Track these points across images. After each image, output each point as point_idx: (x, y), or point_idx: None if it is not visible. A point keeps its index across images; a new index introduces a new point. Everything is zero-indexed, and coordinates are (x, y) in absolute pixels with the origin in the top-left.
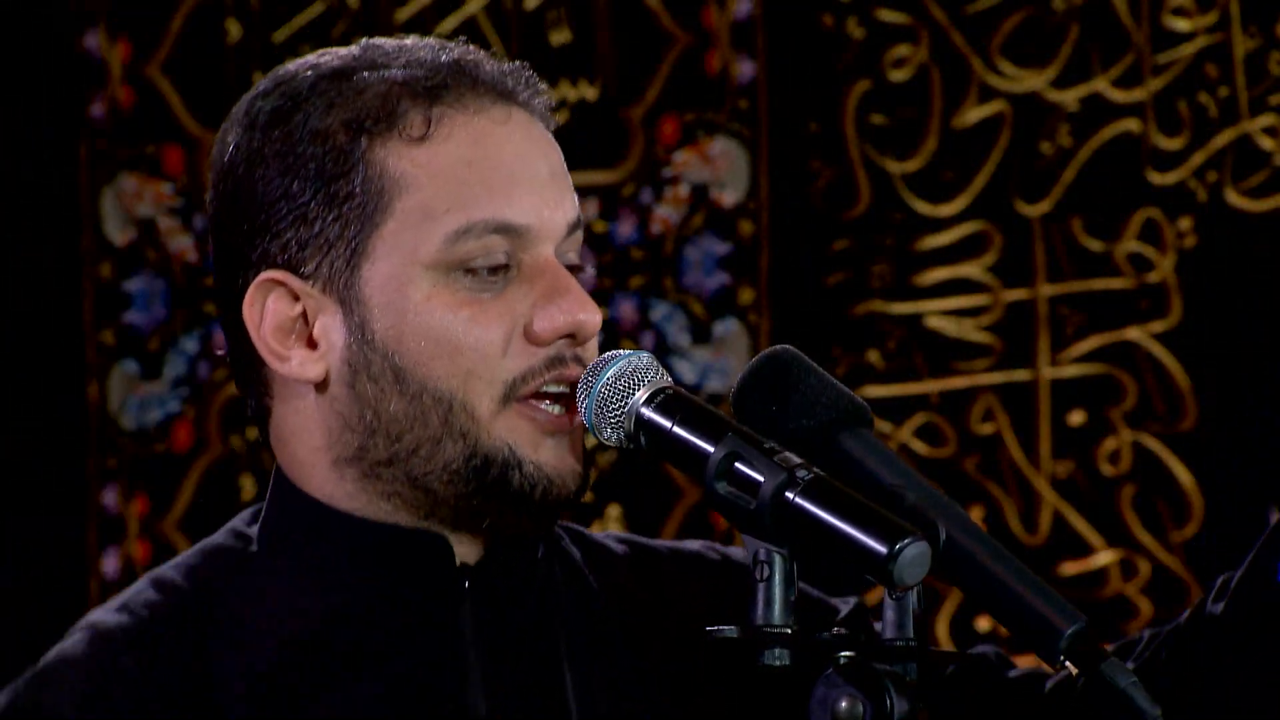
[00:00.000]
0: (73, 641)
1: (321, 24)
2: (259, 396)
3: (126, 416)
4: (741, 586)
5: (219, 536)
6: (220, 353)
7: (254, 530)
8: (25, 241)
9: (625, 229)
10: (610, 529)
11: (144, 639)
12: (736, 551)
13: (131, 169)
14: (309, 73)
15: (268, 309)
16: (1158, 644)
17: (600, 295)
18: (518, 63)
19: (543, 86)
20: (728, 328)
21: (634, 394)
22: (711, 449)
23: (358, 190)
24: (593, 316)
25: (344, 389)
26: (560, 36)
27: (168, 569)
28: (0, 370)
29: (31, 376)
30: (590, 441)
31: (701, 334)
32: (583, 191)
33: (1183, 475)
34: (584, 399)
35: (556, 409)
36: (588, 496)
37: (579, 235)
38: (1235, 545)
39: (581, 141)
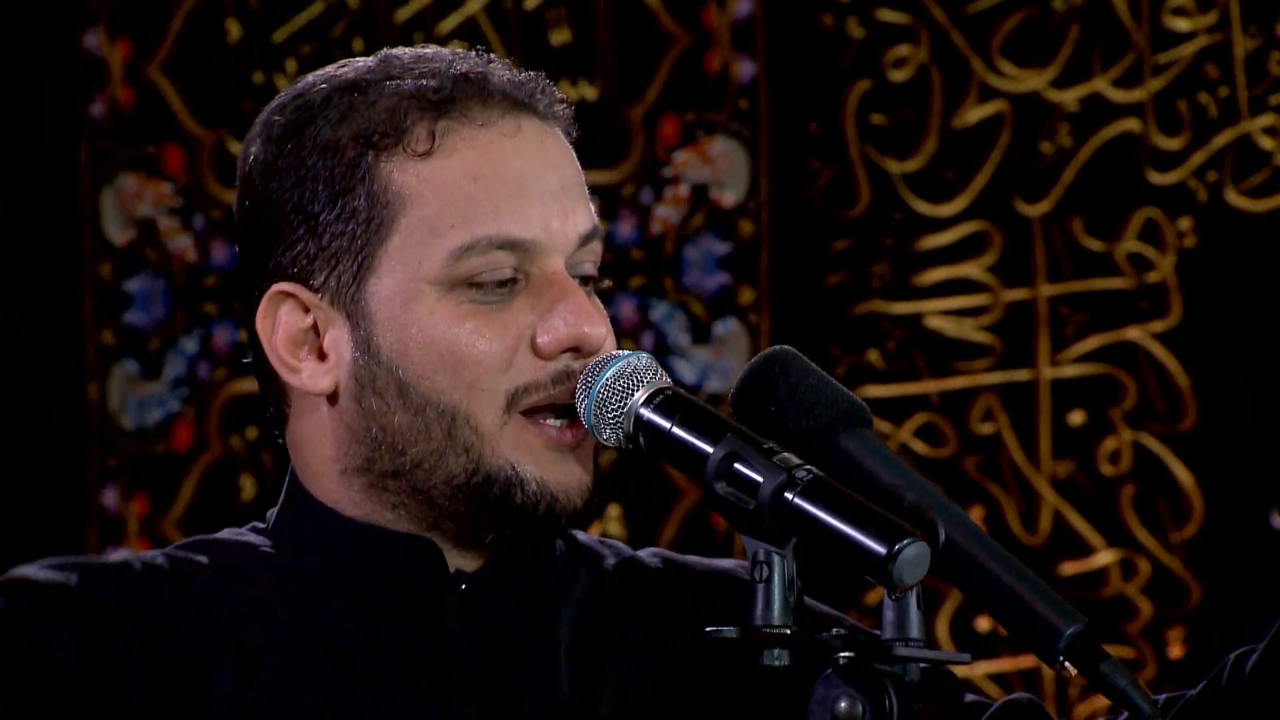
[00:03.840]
0: (101, 558)
1: (321, 24)
2: (277, 404)
3: (126, 416)
4: None
5: (237, 529)
6: (246, 362)
7: (268, 526)
8: (25, 241)
9: (625, 229)
10: (610, 529)
11: (153, 583)
12: None
13: (131, 169)
14: (324, 85)
15: (280, 321)
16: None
17: (600, 295)
18: (533, 73)
19: (560, 95)
20: (728, 328)
21: (633, 394)
22: (711, 449)
23: (364, 204)
24: (596, 329)
25: (351, 402)
26: (560, 36)
27: (184, 542)
28: (0, 370)
29: (31, 376)
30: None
31: (701, 334)
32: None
33: (1183, 475)
34: (583, 399)
35: (564, 423)
36: None
37: (596, 246)
38: (1235, 545)
39: (581, 141)
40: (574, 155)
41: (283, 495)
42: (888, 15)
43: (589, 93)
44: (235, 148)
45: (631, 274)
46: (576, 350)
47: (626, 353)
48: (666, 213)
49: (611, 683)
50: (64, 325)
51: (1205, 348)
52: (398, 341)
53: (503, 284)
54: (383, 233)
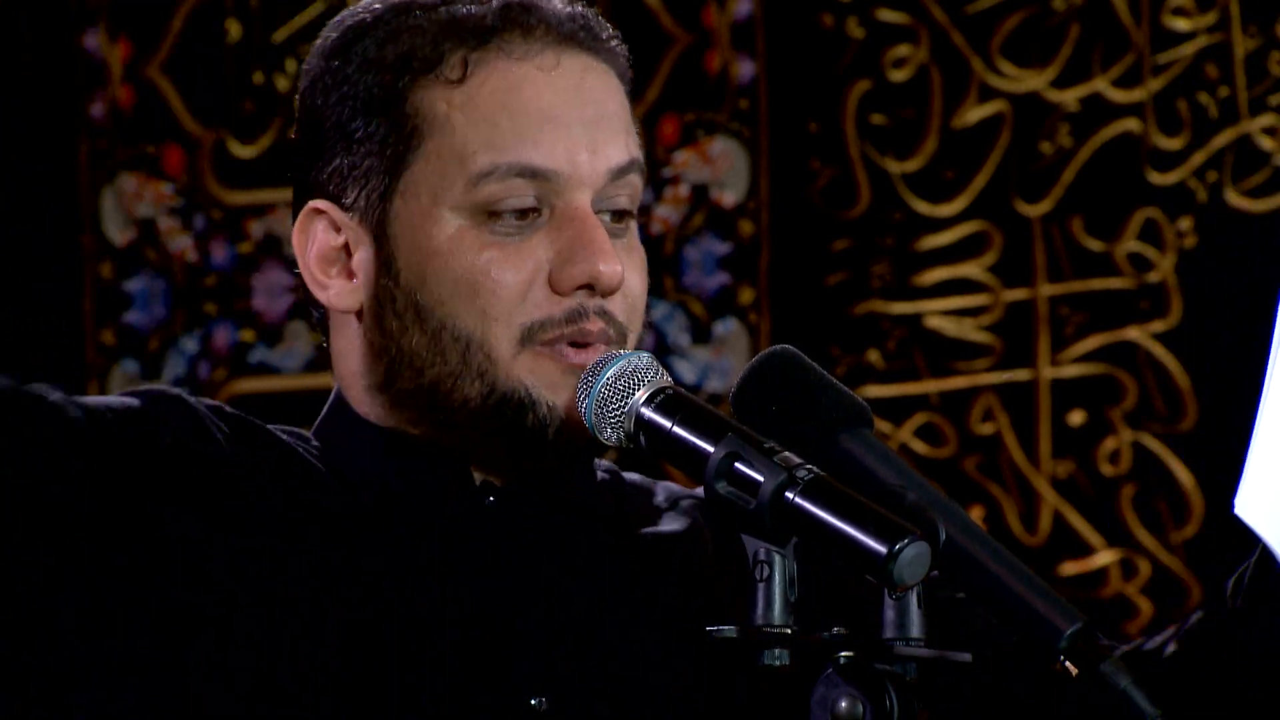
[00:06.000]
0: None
1: (321, 24)
2: (320, 318)
3: None
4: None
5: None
6: (295, 271)
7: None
8: (25, 241)
9: None
10: None
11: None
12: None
13: (131, 169)
14: (379, 5)
15: (314, 237)
16: (1177, 641)
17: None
18: (585, 8)
19: (611, 31)
20: (728, 328)
21: (634, 394)
22: (711, 449)
23: (396, 127)
24: (612, 267)
25: (374, 321)
26: None
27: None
28: (0, 370)
29: (31, 376)
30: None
31: (701, 334)
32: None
33: (1183, 475)
34: (583, 399)
35: (580, 354)
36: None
37: (633, 179)
38: (1235, 545)
39: None
40: (620, 90)
41: (328, 403)
42: (888, 15)
43: None
44: (235, 148)
45: None
46: (591, 288)
47: (627, 352)
48: (666, 213)
49: (638, 601)
50: (64, 325)
51: (1205, 348)
52: (417, 265)
53: (523, 214)
54: (410, 156)
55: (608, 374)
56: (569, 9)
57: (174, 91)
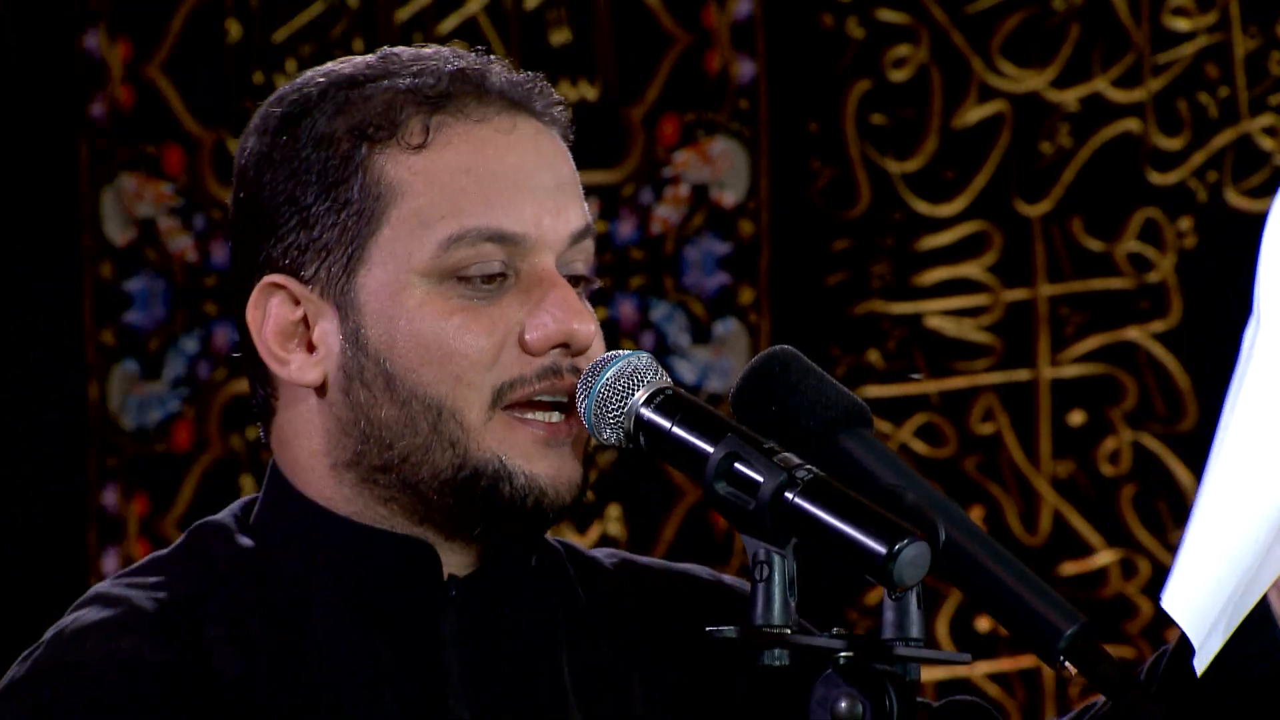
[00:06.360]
0: (84, 613)
1: (321, 24)
2: (265, 397)
3: (126, 416)
4: (732, 609)
5: (212, 527)
6: (235, 355)
7: (247, 524)
8: (25, 241)
9: (625, 229)
10: (610, 529)
11: (145, 622)
12: (730, 578)
13: (131, 169)
14: (321, 80)
15: (270, 312)
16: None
17: (600, 295)
18: (532, 74)
19: (558, 97)
20: (728, 328)
21: (633, 394)
22: (711, 449)
23: (356, 196)
24: (586, 326)
25: (340, 394)
26: (560, 36)
27: (168, 554)
28: (0, 370)
29: (31, 376)
30: (591, 443)
31: (701, 334)
32: (583, 191)
33: (1183, 475)
34: (583, 399)
35: (553, 416)
36: (588, 496)
37: (588, 245)
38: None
39: (581, 141)
40: (569, 156)
41: (264, 492)
42: (888, 15)
43: (589, 93)
44: (235, 148)
45: (631, 274)
46: (565, 347)
47: (627, 353)
48: (666, 213)
49: (610, 687)
50: (64, 325)
51: (1205, 348)
52: (385, 334)
53: (491, 279)
54: (374, 224)
55: (607, 374)
56: (516, 75)
57: (174, 91)
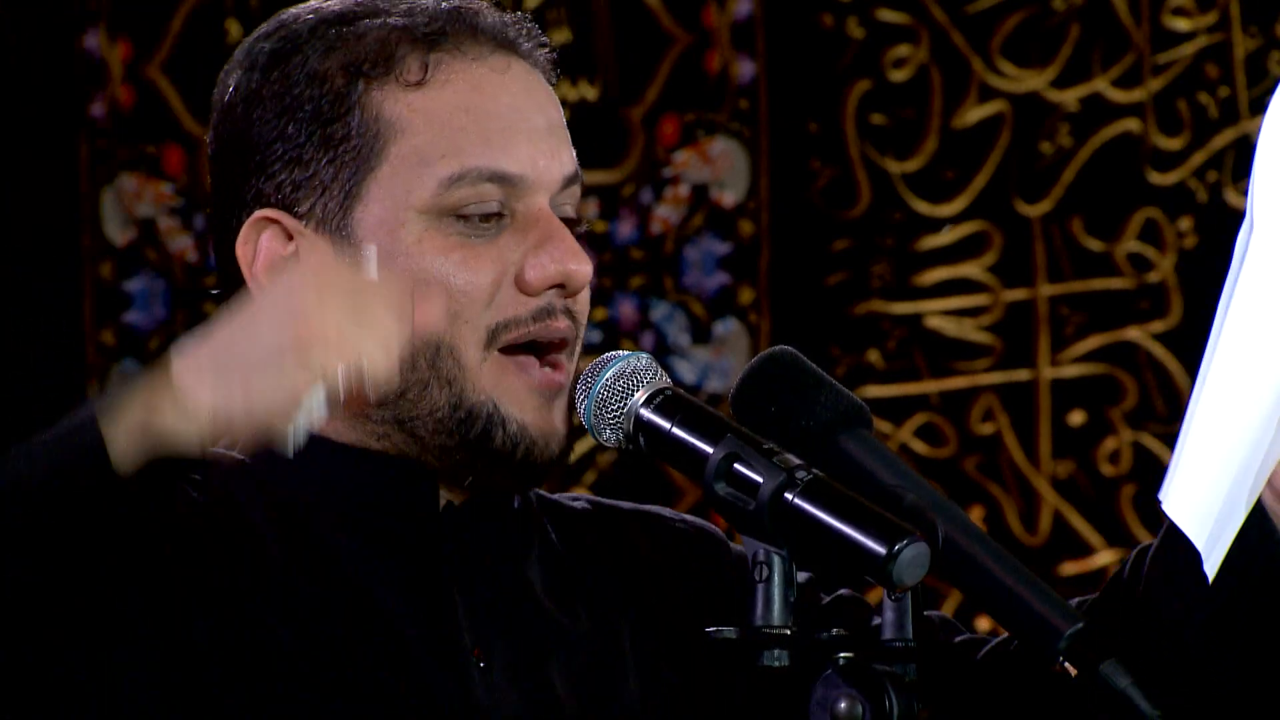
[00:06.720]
0: None
1: None
2: None
3: None
4: (701, 550)
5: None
6: (214, 291)
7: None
8: (25, 241)
9: (625, 229)
10: None
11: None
12: (694, 519)
13: (131, 169)
14: (310, 16)
15: (261, 247)
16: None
17: (600, 295)
18: (520, 14)
19: (544, 39)
20: (728, 328)
21: (633, 395)
22: (711, 450)
23: (353, 133)
24: (583, 266)
25: None
26: (560, 36)
27: None
28: (0, 370)
29: (31, 376)
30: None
31: (701, 334)
32: (583, 191)
33: None
34: (583, 400)
35: (547, 369)
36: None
37: (576, 189)
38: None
39: (581, 141)
40: (557, 99)
41: None
42: (888, 15)
43: (589, 93)
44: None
45: (631, 274)
46: (562, 287)
47: (626, 353)
48: (666, 213)
49: (597, 620)
50: (64, 325)
51: (1205, 348)
52: (383, 269)
53: (488, 218)
54: (372, 161)
55: (607, 375)
56: (507, 15)
57: (174, 91)
